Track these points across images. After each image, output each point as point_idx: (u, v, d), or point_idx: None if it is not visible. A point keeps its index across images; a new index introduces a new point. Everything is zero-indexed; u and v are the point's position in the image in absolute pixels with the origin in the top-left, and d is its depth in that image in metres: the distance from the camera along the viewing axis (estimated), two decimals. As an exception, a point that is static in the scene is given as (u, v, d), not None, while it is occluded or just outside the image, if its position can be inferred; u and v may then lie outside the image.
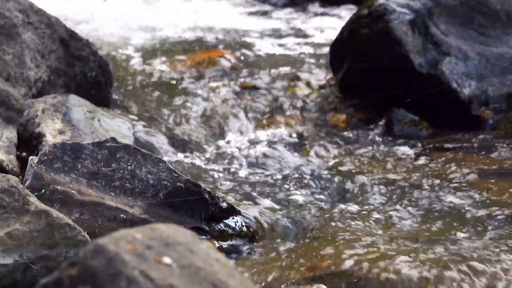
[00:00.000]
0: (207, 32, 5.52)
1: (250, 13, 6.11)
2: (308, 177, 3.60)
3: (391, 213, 3.21)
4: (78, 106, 3.49)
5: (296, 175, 3.62)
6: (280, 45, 5.23)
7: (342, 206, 3.28)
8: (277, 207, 3.16)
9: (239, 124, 4.23)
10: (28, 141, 3.37)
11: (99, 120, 3.47)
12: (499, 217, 3.11)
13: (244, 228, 2.92)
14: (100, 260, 1.43)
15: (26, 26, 3.74)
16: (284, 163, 3.77)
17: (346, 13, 5.88)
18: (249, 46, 5.18)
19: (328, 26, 5.66)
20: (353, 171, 3.70)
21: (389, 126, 4.16)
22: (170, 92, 4.50)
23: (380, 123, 4.16)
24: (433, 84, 4.13)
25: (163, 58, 4.95)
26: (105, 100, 3.99)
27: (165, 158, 3.53)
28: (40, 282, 1.48)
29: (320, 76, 4.69)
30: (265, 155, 3.83)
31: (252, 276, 2.55)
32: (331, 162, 3.81)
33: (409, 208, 3.26)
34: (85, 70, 3.95)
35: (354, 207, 3.26)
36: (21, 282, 2.36)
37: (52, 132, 3.32)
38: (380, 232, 2.97)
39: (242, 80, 4.65)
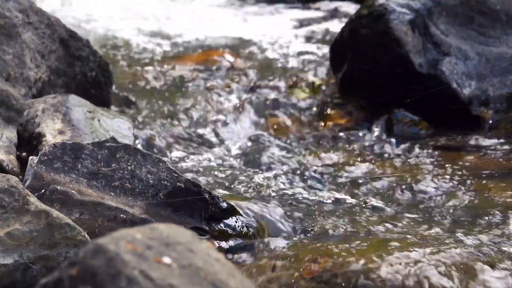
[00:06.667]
0: (207, 32, 5.52)
1: (250, 13, 6.11)
2: (308, 177, 3.60)
3: (390, 213, 3.21)
4: (78, 106, 3.49)
5: (296, 175, 3.62)
6: (280, 45, 5.23)
7: (342, 206, 3.28)
8: (277, 207, 3.16)
9: (239, 124, 4.23)
10: (28, 141, 3.37)
11: (99, 120, 3.47)
12: (498, 217, 3.11)
13: (244, 228, 2.92)
14: (100, 260, 1.43)
15: (26, 26, 3.74)
16: (283, 163, 3.77)
17: (346, 12, 5.88)
18: (248, 46, 5.18)
19: (328, 26, 5.66)
20: (353, 171, 3.70)
21: (389, 126, 4.16)
22: (170, 92, 4.50)
23: (380, 123, 4.16)
24: (433, 84, 4.13)
25: (163, 58, 4.96)
26: (105, 100, 3.98)
27: (165, 158, 3.53)
28: (40, 282, 1.48)
29: (320, 76, 4.69)
30: (264, 155, 3.83)
31: (252, 276, 2.55)
32: (331, 162, 3.81)
33: (408, 208, 3.27)
34: (85, 70, 3.94)
35: (354, 207, 3.26)
36: (21, 282, 2.36)
37: (52, 132, 3.32)
38: (380, 231, 2.97)
39: (241, 80, 4.65)
